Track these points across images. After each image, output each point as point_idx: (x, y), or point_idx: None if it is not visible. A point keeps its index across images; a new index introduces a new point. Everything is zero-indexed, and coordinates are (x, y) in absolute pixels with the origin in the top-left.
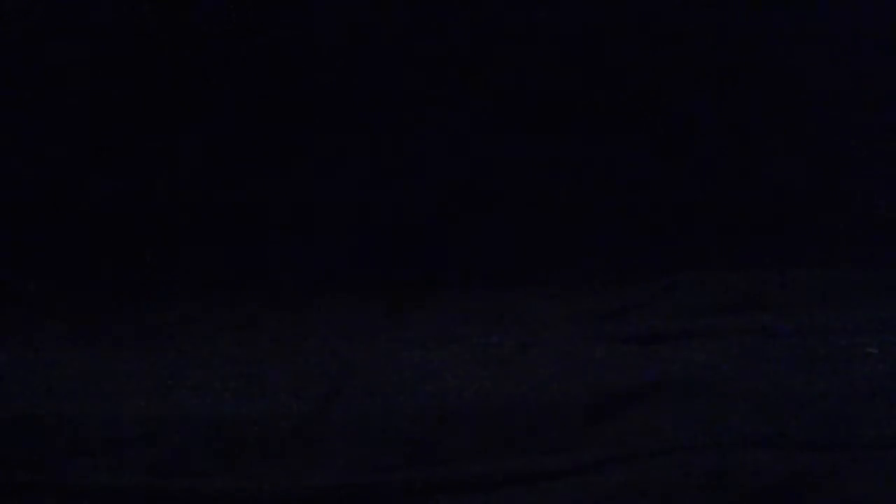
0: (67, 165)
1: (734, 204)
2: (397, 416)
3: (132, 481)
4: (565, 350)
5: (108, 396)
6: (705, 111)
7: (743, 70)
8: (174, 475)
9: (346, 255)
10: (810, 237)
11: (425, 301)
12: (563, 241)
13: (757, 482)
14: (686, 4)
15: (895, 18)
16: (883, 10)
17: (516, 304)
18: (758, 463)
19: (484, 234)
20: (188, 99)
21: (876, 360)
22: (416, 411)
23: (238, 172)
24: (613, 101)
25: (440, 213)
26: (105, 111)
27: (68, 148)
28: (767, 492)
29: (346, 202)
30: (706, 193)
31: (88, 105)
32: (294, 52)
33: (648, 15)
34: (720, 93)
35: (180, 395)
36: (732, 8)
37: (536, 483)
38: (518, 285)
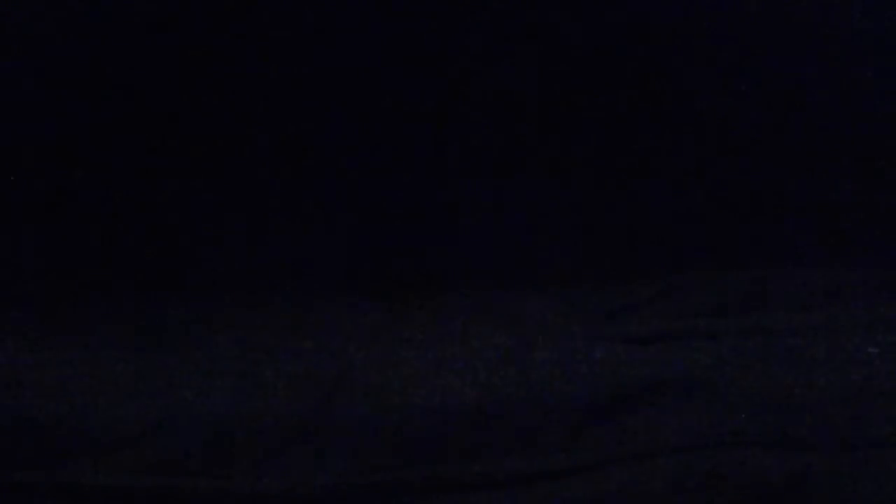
0: (68, 164)
1: (734, 204)
2: (397, 416)
3: (132, 481)
4: (565, 350)
5: (108, 396)
6: (703, 109)
7: (743, 70)
8: (174, 475)
9: (346, 255)
10: (810, 237)
11: (425, 301)
12: (562, 241)
13: (757, 482)
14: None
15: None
16: (882, 11)
17: (516, 304)
18: (758, 463)
19: (484, 234)
20: (189, 98)
21: (876, 360)
22: (416, 411)
23: (237, 171)
24: (609, 98)
25: (440, 213)
26: (105, 109)
27: (68, 147)
28: (767, 492)
29: (346, 202)
30: (706, 193)
31: (88, 103)
32: (292, 49)
33: (645, 14)
34: (718, 91)
35: (180, 395)
36: (734, 7)
37: (536, 483)
38: (518, 285)
